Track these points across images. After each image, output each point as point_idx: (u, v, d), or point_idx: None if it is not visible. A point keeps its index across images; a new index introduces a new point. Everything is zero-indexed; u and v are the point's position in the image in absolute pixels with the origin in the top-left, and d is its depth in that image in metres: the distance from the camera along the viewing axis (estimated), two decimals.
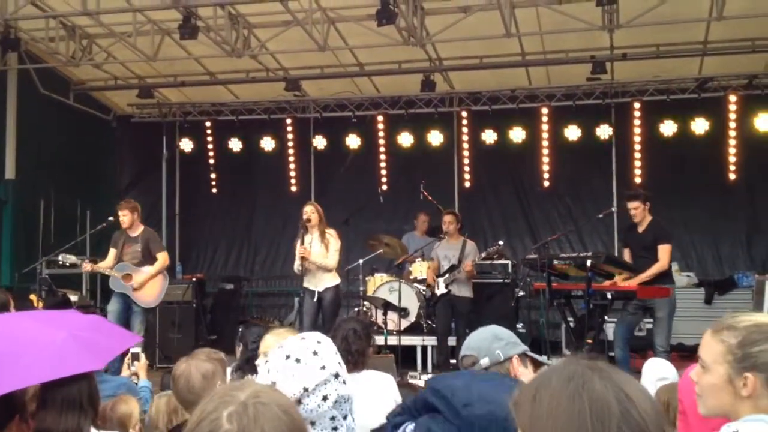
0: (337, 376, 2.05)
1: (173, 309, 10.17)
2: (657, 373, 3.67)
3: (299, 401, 1.99)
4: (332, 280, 8.21)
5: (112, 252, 8.49)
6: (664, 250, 7.42)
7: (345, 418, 2.06)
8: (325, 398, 2.01)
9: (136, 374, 5.21)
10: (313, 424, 2.01)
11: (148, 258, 8.41)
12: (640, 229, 7.63)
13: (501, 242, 9.36)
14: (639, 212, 7.58)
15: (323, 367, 2.03)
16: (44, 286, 9.04)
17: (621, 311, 7.74)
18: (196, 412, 1.34)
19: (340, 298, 8.51)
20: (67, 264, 8.73)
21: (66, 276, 9.99)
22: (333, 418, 2.03)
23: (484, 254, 9.08)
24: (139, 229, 8.48)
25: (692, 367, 2.47)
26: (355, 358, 3.71)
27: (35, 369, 3.01)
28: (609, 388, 1.29)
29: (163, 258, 8.51)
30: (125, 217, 8.36)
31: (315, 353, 2.05)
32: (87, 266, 8.56)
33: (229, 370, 3.63)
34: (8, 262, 10.19)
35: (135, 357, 5.41)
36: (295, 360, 2.02)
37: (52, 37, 9.54)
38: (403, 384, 4.39)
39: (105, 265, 8.47)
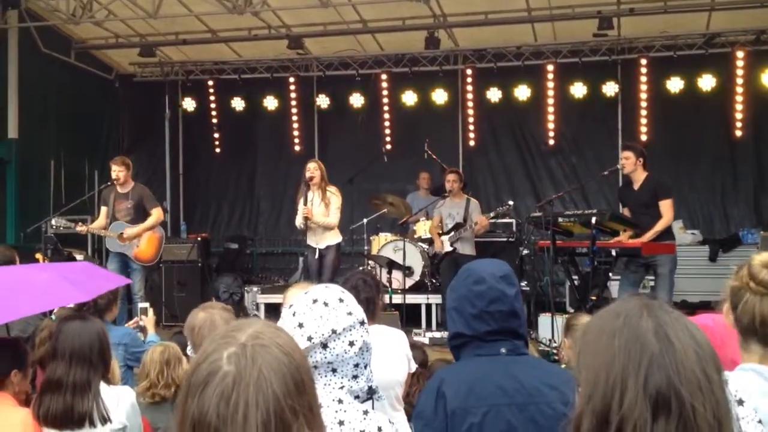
0: (362, 323, 2.07)
1: (179, 268, 10.21)
2: None
3: (325, 345, 1.99)
4: (334, 237, 8.23)
5: (103, 210, 8.42)
6: (666, 205, 7.36)
7: (365, 367, 2.07)
8: (351, 344, 2.02)
9: (144, 329, 5.24)
10: (334, 371, 2.01)
11: (141, 214, 8.33)
12: (636, 186, 7.56)
13: (511, 202, 9.31)
14: (628, 163, 7.50)
15: (350, 313, 2.05)
16: (50, 245, 9.03)
17: (623, 270, 7.73)
18: (197, 354, 1.31)
19: (340, 259, 8.51)
20: (60, 228, 8.69)
21: (72, 235, 10.01)
22: (356, 366, 2.04)
23: (493, 213, 9.07)
24: (129, 185, 8.39)
25: (699, 315, 2.48)
26: (365, 307, 3.66)
27: (22, 303, 3.19)
28: (651, 327, 1.30)
29: (157, 213, 8.42)
30: (121, 173, 8.26)
31: (341, 300, 2.07)
32: (82, 228, 8.50)
33: None
34: (13, 222, 10.20)
35: (143, 311, 5.43)
36: (323, 303, 2.03)
37: None
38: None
39: (98, 225, 8.41)
